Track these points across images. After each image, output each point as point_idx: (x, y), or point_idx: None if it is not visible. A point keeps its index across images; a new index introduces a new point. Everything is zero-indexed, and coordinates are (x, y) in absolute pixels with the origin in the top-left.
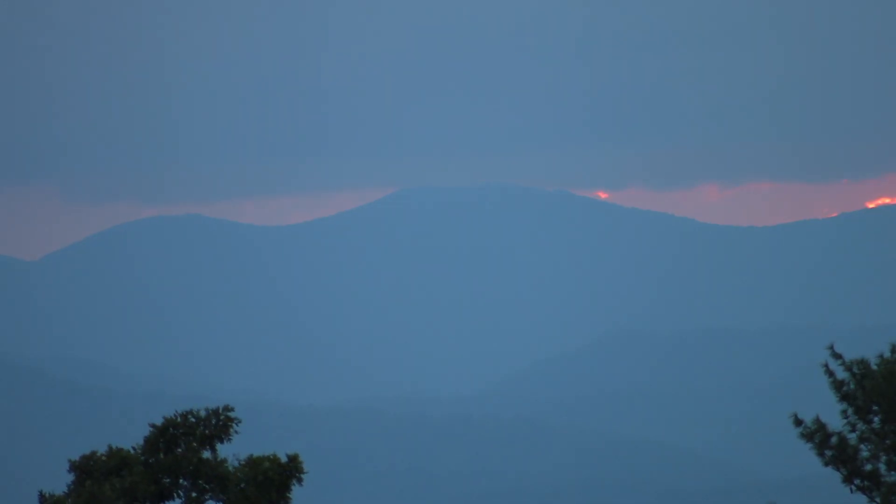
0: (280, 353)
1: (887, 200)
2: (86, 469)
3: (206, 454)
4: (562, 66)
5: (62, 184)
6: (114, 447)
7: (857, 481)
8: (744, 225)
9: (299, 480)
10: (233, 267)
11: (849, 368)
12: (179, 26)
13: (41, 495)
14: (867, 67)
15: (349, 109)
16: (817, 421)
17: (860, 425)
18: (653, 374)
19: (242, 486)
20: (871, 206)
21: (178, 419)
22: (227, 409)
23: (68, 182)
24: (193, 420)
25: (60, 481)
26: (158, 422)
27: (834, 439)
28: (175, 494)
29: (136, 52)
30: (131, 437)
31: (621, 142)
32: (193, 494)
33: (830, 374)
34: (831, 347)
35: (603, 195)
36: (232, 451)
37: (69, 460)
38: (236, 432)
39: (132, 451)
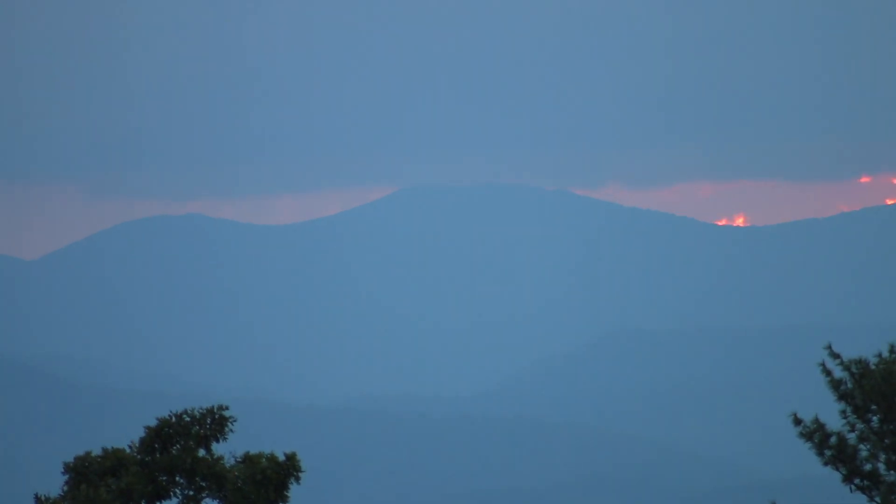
0: (281, 352)
1: None
2: (80, 470)
3: (202, 453)
4: (560, 65)
5: (62, 183)
6: (109, 448)
7: (856, 481)
8: (744, 224)
9: (297, 479)
10: (233, 266)
11: (847, 368)
12: (180, 26)
13: (37, 498)
14: (884, 64)
15: (350, 108)
16: (816, 421)
17: (859, 425)
18: (652, 373)
19: (240, 484)
20: (889, 202)
21: (173, 419)
22: (222, 408)
23: (68, 182)
24: (188, 419)
25: (60, 480)
26: (156, 422)
27: (833, 439)
28: (172, 493)
29: (138, 52)
30: (131, 436)
31: (624, 140)
32: (190, 493)
33: (828, 373)
34: (829, 347)
35: (602, 193)
36: (228, 450)
37: (63, 462)
38: (231, 431)
39: (128, 451)
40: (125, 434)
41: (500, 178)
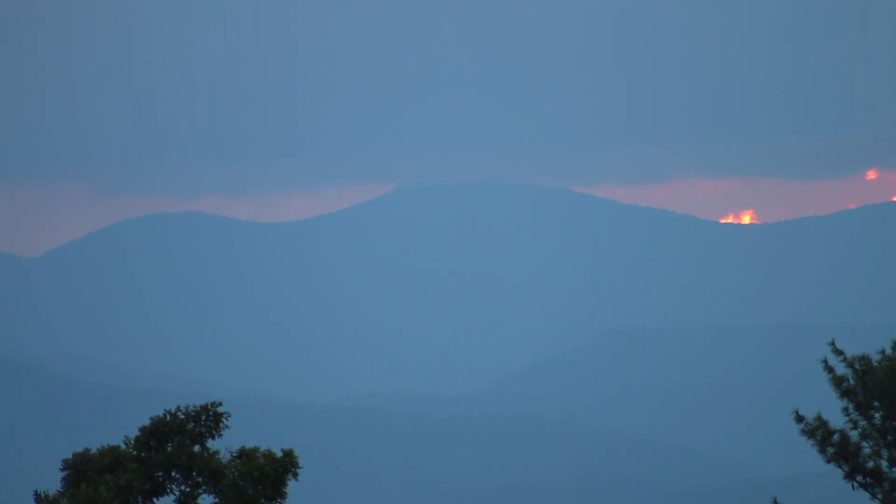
0: (281, 350)
1: None
2: (79, 467)
3: (198, 450)
4: (559, 64)
5: (62, 181)
6: (106, 446)
7: (858, 478)
8: (745, 222)
9: (295, 475)
10: (233, 264)
11: (850, 364)
12: (188, 25)
13: (37, 495)
14: (890, 58)
15: (351, 106)
16: (818, 418)
17: (862, 422)
18: (653, 372)
19: (237, 480)
20: (895, 199)
21: (168, 417)
22: (216, 404)
23: (68, 179)
24: (182, 417)
25: (59, 479)
26: (150, 421)
27: (835, 436)
28: (168, 490)
29: (139, 49)
30: (131, 435)
31: (618, 138)
32: (187, 489)
33: (830, 369)
34: (832, 343)
35: (598, 191)
36: (224, 445)
37: (63, 459)
38: (227, 427)
39: (124, 448)
40: (126, 433)
41: (500, 175)
